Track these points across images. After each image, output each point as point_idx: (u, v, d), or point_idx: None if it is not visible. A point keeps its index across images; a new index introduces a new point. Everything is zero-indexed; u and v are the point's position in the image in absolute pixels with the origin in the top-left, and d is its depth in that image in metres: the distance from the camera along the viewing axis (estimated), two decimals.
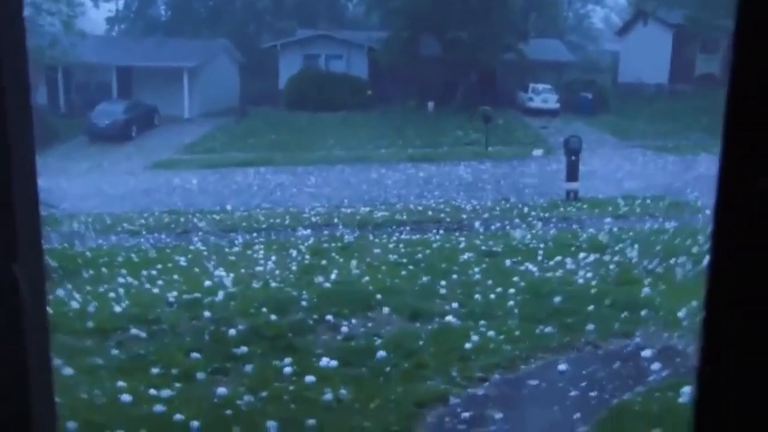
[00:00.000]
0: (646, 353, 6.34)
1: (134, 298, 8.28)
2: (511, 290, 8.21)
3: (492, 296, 8.06)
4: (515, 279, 8.72)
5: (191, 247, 11.50)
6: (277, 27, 41.46)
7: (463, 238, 11.58)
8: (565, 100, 32.58)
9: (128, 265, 10.09)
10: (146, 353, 6.40)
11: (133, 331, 6.98)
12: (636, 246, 10.34)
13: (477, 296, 8.07)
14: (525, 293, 8.11)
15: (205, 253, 10.97)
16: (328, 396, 5.46)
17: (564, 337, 6.78)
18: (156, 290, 8.63)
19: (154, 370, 5.98)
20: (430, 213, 14.38)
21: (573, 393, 5.63)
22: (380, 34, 34.29)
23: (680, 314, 7.22)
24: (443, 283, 8.63)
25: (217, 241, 12.00)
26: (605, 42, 51.69)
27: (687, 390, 5.31)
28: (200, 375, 5.93)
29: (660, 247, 10.30)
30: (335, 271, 9.36)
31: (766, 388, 0.94)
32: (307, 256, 10.50)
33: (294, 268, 9.83)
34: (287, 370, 6.00)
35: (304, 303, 7.85)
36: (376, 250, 10.79)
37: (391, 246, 11.12)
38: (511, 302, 7.81)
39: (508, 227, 12.67)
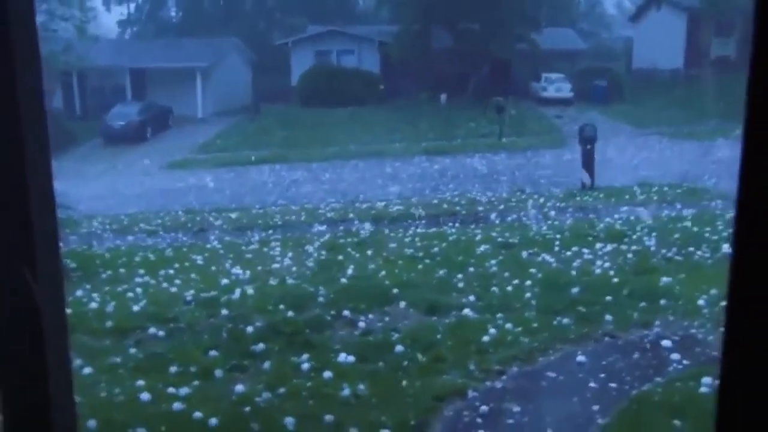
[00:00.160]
0: (666, 343, 6.28)
1: (152, 297, 8.34)
2: (528, 282, 8.17)
3: (509, 288, 8.03)
4: (532, 270, 8.67)
5: (208, 246, 11.55)
6: (287, 24, 41.51)
7: (479, 231, 11.53)
8: (579, 89, 32.31)
9: (146, 264, 10.16)
10: (164, 352, 6.45)
11: (152, 330, 7.03)
12: (654, 234, 10.25)
13: (494, 289, 8.03)
14: (542, 285, 8.07)
15: (222, 251, 11.01)
16: (346, 391, 5.47)
17: (582, 328, 6.73)
18: (173, 289, 8.68)
19: (173, 369, 6.02)
20: (445, 206, 14.33)
21: (592, 384, 5.59)
22: (391, 28, 34.20)
23: (700, 303, 7.15)
24: (460, 276, 8.60)
25: (234, 239, 12.04)
26: (618, 28, 51.19)
27: (708, 380, 5.26)
28: (218, 373, 5.96)
29: (678, 235, 10.20)
30: (351, 267, 9.36)
31: None
32: (323, 252, 10.51)
33: (310, 264, 9.84)
34: (305, 366, 6.01)
35: (321, 299, 7.86)
36: (392, 245, 10.78)
37: (407, 240, 11.10)
38: (529, 294, 7.77)
39: (523, 217, 12.61)
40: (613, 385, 5.57)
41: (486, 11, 31.59)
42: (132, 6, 45.15)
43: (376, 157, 22.63)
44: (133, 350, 6.54)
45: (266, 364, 6.11)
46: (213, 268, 9.82)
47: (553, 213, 12.94)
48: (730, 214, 11.75)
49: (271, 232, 12.62)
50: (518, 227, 11.77)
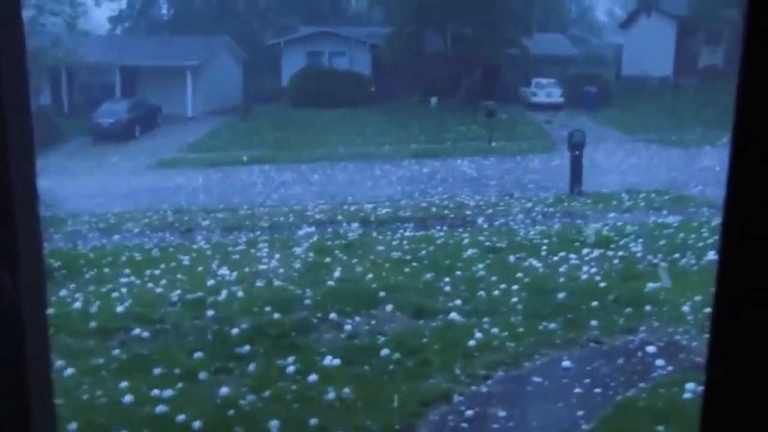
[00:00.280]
0: (651, 349, 6.31)
1: (137, 297, 8.28)
2: (515, 286, 8.18)
3: (496, 293, 8.03)
4: (519, 275, 8.68)
5: (195, 246, 11.50)
6: (280, 24, 41.44)
7: (467, 234, 11.54)
8: (569, 94, 32.44)
9: (131, 264, 10.09)
10: (149, 353, 6.40)
11: (136, 331, 6.98)
12: (640, 240, 10.29)
13: (481, 293, 8.04)
14: (529, 289, 8.08)
15: (209, 251, 10.96)
16: (331, 395, 5.45)
17: (568, 333, 6.75)
18: (159, 290, 8.63)
19: (157, 370, 5.98)
20: (433, 209, 14.34)
21: (577, 390, 5.60)
22: (383, 30, 34.21)
23: (685, 309, 7.18)
24: (447, 279, 8.60)
25: (221, 240, 11.99)
26: (609, 35, 51.45)
27: (692, 386, 5.28)
28: (203, 375, 5.92)
29: (664, 241, 10.25)
30: (339, 269, 9.34)
31: None
32: (311, 254, 10.48)
33: (298, 266, 9.81)
34: (290, 369, 5.98)
35: (307, 301, 7.84)
36: (380, 248, 10.77)
37: (394, 243, 11.09)
38: (515, 298, 7.78)
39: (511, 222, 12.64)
40: (598, 390, 5.59)
41: (478, 15, 31.68)
42: (123, 2, 44.90)
43: (366, 160, 22.62)
44: (116, 351, 6.48)
45: (251, 367, 6.08)
46: (200, 268, 9.77)
47: (540, 218, 12.97)
48: (716, 222, 11.86)
49: (258, 233, 12.57)
50: (506, 231, 11.79)
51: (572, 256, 9.58)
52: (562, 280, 8.52)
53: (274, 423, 4.97)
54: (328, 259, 10.01)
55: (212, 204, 16.26)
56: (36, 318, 1.64)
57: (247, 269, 9.61)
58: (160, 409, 5.22)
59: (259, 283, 8.87)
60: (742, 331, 0.95)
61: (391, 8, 35.77)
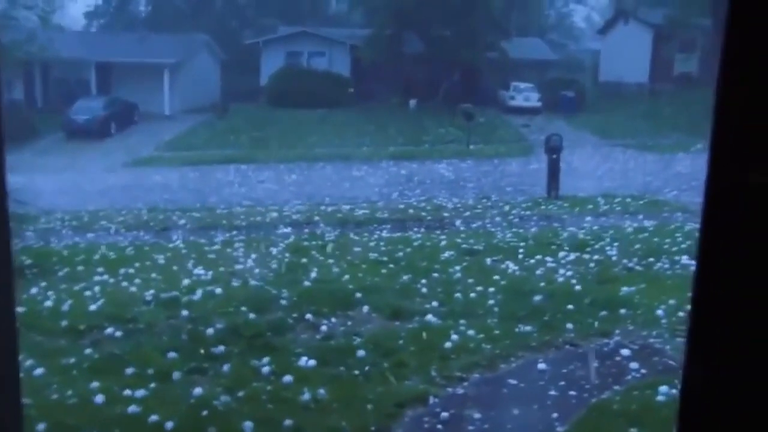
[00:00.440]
0: (625, 352, 6.36)
1: (110, 296, 8.16)
2: (492, 289, 8.20)
3: (472, 295, 8.05)
4: (496, 277, 8.71)
5: (170, 245, 11.37)
6: (259, 24, 41.23)
7: (444, 237, 11.56)
8: (547, 99, 32.70)
9: (105, 263, 9.95)
10: (121, 353, 6.31)
11: (109, 330, 6.88)
12: (616, 244, 10.39)
13: (457, 295, 8.05)
14: (505, 292, 8.11)
15: (185, 251, 10.85)
16: (306, 396, 5.41)
17: (544, 336, 6.78)
18: (133, 289, 8.51)
19: (129, 370, 5.89)
20: (411, 211, 14.35)
21: (552, 392, 5.63)
22: (363, 32, 34.21)
23: (659, 313, 7.26)
24: (424, 281, 8.60)
25: (197, 239, 11.88)
26: (587, 41, 51.98)
27: (665, 389, 5.33)
28: (176, 375, 5.85)
29: (639, 245, 10.36)
30: (315, 270, 9.30)
31: (753, 387, 0.92)
32: (287, 254, 10.42)
33: (274, 266, 9.75)
34: (265, 369, 5.94)
35: (283, 302, 7.79)
36: (357, 249, 10.74)
37: (371, 244, 11.07)
38: (492, 301, 7.80)
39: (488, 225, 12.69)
40: (572, 393, 5.62)
41: (457, 18, 31.80)
42: None
43: (344, 161, 22.58)
44: (88, 351, 6.38)
45: (226, 367, 6.01)
46: (175, 267, 9.66)
47: (517, 221, 13.04)
48: (690, 227, 11.98)
49: (235, 232, 12.48)
50: (483, 234, 11.83)
51: (548, 259, 9.64)
52: (538, 283, 8.56)
53: (248, 424, 4.92)
54: (304, 260, 9.96)
55: (188, 203, 16.12)
56: (3, 316, 1.60)
57: (222, 269, 9.53)
58: (132, 409, 5.15)
59: (235, 283, 8.79)
60: (718, 334, 0.95)
61: (371, 10, 35.77)
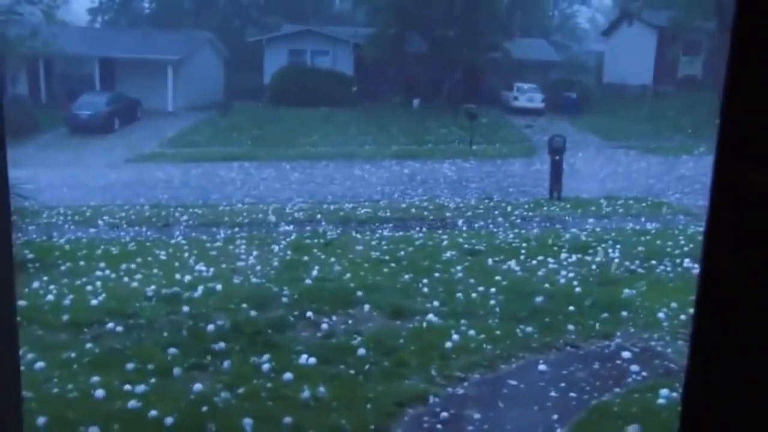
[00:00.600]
0: (626, 354, 6.35)
1: (112, 291, 8.16)
2: (493, 289, 8.19)
3: (474, 295, 8.04)
4: (497, 278, 8.70)
5: (172, 241, 11.38)
6: (262, 22, 41.24)
7: (446, 236, 11.55)
8: (550, 100, 32.69)
9: (107, 258, 9.96)
10: (122, 348, 6.31)
11: (110, 325, 6.88)
12: (618, 246, 10.37)
13: (459, 295, 8.04)
14: (507, 292, 8.10)
15: (186, 247, 10.85)
16: (306, 394, 5.40)
17: (545, 337, 6.77)
18: (134, 284, 8.52)
19: (130, 365, 5.89)
20: (413, 210, 14.34)
21: (552, 393, 5.62)
22: (367, 31, 34.20)
23: (660, 315, 7.25)
24: (425, 281, 8.59)
25: (199, 236, 11.89)
26: (590, 42, 51.97)
27: (665, 392, 5.32)
28: (177, 371, 5.84)
29: (642, 248, 10.34)
30: (317, 268, 9.29)
31: (756, 389, 0.92)
32: (289, 252, 10.42)
33: (275, 263, 9.74)
34: (266, 366, 5.93)
35: (284, 299, 7.78)
36: (359, 247, 10.74)
37: (373, 243, 11.06)
38: (493, 301, 7.79)
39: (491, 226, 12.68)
40: (573, 394, 5.61)
41: (461, 18, 31.79)
42: None
43: (346, 159, 22.58)
44: (89, 345, 6.38)
45: (226, 364, 6.01)
46: (176, 264, 9.67)
47: (520, 221, 13.03)
48: (692, 230, 11.96)
49: (237, 229, 12.49)
50: (485, 234, 11.82)
51: (550, 260, 9.63)
52: (540, 284, 8.55)
53: (247, 421, 4.92)
54: (306, 258, 9.96)
55: (191, 199, 16.13)
56: (3, 310, 1.59)
57: (224, 266, 9.54)
58: (132, 404, 5.14)
59: (236, 280, 8.79)
60: (722, 334, 0.94)
61: (374, 9, 35.75)
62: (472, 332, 6.78)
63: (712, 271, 0.94)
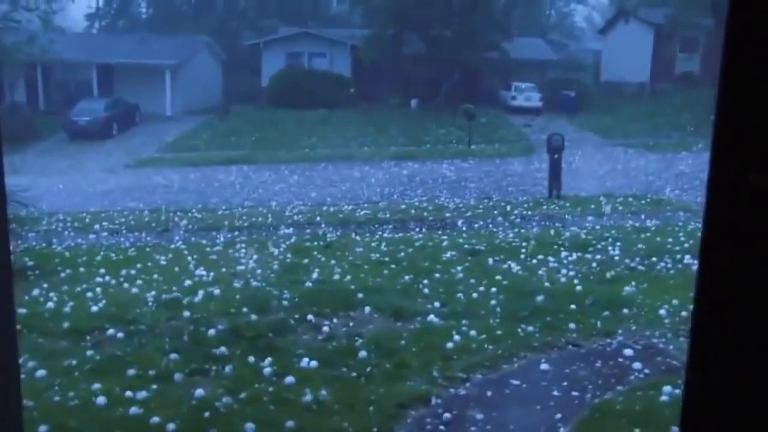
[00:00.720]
0: (628, 352, 6.34)
1: (112, 297, 8.16)
2: (494, 289, 8.18)
3: (474, 295, 8.03)
4: (498, 278, 8.69)
5: (172, 246, 11.37)
6: (259, 24, 41.23)
7: (445, 237, 11.54)
8: (548, 99, 32.69)
9: (107, 264, 9.95)
10: (123, 354, 6.30)
11: (110, 331, 6.87)
12: (618, 244, 10.37)
13: (459, 295, 8.03)
14: (507, 292, 8.09)
15: (186, 252, 10.84)
16: (308, 397, 5.39)
17: (546, 336, 6.76)
18: (135, 290, 8.51)
19: (131, 372, 5.88)
20: (413, 211, 14.34)
21: (555, 392, 5.61)
22: (364, 32, 34.21)
23: (661, 312, 7.24)
24: (425, 281, 8.59)
25: (198, 240, 11.88)
26: (587, 41, 52.00)
27: (668, 389, 5.31)
28: (178, 376, 5.83)
29: (642, 245, 10.34)
30: (317, 270, 9.29)
31: (755, 386, 0.91)
32: (289, 255, 10.41)
33: (275, 267, 9.74)
34: (267, 370, 5.92)
35: (285, 302, 7.78)
36: (359, 249, 10.73)
37: (373, 245, 11.06)
38: (494, 301, 7.78)
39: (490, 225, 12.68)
40: (575, 393, 5.60)
41: (458, 18, 31.80)
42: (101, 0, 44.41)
43: (345, 161, 22.59)
44: (90, 352, 6.37)
45: (228, 368, 6.00)
46: (176, 268, 9.66)
47: (519, 221, 13.02)
48: (692, 226, 11.95)
49: (237, 233, 12.48)
50: (485, 234, 11.82)
51: (551, 259, 9.62)
52: (540, 283, 8.54)
53: (249, 425, 4.91)
54: (306, 260, 9.95)
55: (190, 204, 16.13)
56: (2, 318, 1.58)
57: (224, 270, 9.52)
58: (134, 410, 5.13)
59: (237, 284, 8.78)
60: (721, 331, 0.94)
61: (371, 10, 35.77)
62: (473, 332, 6.77)
63: (709, 271, 0.93)
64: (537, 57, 37.24)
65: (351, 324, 7.21)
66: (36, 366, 5.82)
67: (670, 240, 10.55)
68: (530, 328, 6.90)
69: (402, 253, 10.23)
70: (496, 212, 13.89)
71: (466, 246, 10.61)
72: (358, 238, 11.72)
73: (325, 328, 7.02)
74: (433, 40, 31.85)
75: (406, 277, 8.83)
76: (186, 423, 4.98)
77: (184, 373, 5.89)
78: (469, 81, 33.28)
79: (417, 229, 12.45)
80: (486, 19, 33.22)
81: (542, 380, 5.86)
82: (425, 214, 14.00)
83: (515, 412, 5.38)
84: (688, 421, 1.00)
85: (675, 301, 7.44)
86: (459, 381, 5.84)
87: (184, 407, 5.25)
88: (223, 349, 6.38)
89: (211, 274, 9.24)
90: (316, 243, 11.23)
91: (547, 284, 8.44)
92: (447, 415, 5.25)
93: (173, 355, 6.21)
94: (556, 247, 10.33)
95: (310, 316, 7.28)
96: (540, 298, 7.74)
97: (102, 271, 9.45)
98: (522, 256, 9.81)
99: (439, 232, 12.11)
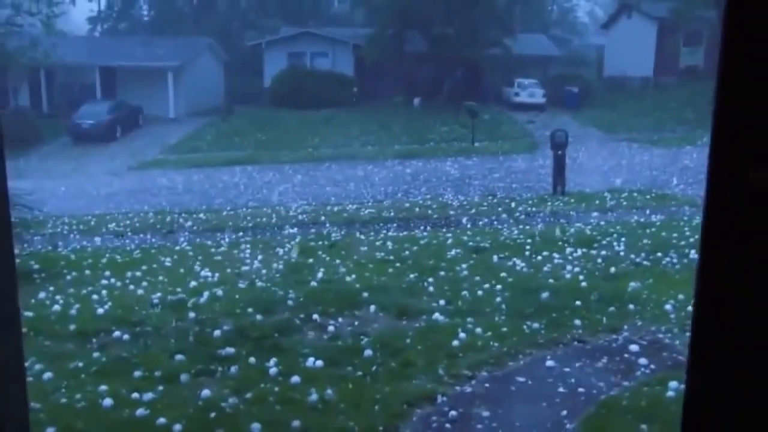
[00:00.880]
0: (634, 348, 6.33)
1: (118, 299, 8.17)
2: (499, 286, 8.17)
3: (479, 292, 8.02)
4: (503, 275, 8.68)
5: (177, 248, 11.39)
6: (261, 25, 41.26)
7: (450, 234, 11.53)
8: (551, 95, 32.63)
9: (112, 266, 9.97)
10: (129, 356, 6.31)
11: (116, 333, 6.88)
12: (623, 240, 10.34)
13: (464, 293, 8.02)
14: (512, 289, 8.08)
15: (191, 253, 10.86)
16: (314, 397, 5.40)
17: (552, 332, 6.75)
18: (140, 291, 8.53)
19: (137, 373, 5.89)
20: (417, 209, 14.33)
21: (561, 389, 5.60)
22: (365, 31, 34.20)
23: (667, 308, 7.22)
24: (430, 280, 8.58)
25: (203, 241, 11.90)
26: (590, 36, 51.86)
27: (674, 384, 5.30)
28: (184, 377, 5.84)
29: (647, 240, 10.31)
30: (322, 270, 9.29)
31: (756, 383, 0.91)
32: (294, 255, 10.42)
33: (280, 267, 9.74)
34: (273, 370, 5.93)
35: (290, 302, 7.78)
36: (363, 248, 10.73)
37: (378, 243, 11.06)
38: (499, 298, 7.77)
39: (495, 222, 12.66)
40: (581, 389, 5.59)
41: (460, 16, 31.74)
42: (103, 2, 44.51)
43: (349, 160, 22.59)
44: (96, 354, 6.38)
45: (233, 369, 6.01)
46: (181, 270, 9.68)
47: (524, 217, 13.01)
48: (697, 220, 11.93)
49: (241, 234, 12.50)
50: (489, 231, 11.80)
51: (556, 255, 9.61)
52: (545, 279, 8.53)
53: (256, 425, 4.91)
54: (311, 260, 9.96)
55: (194, 205, 16.16)
56: (7, 321, 1.59)
57: (229, 270, 9.54)
58: (140, 412, 5.14)
59: (242, 284, 8.79)
60: (720, 333, 0.94)
61: (373, 9, 35.75)
62: (478, 330, 6.76)
63: (709, 267, 0.93)
64: (539, 53, 37.17)
65: (356, 323, 7.21)
66: (43, 368, 5.84)
67: (675, 235, 10.52)
68: (536, 325, 6.89)
69: (407, 252, 10.23)
70: (500, 209, 13.87)
71: (470, 243, 10.60)
72: (362, 237, 11.72)
73: (331, 328, 7.02)
74: (435, 38, 31.81)
75: (411, 276, 8.82)
76: (192, 424, 4.99)
77: (190, 374, 5.90)
78: (471, 78, 33.24)
79: (421, 228, 12.45)
80: (488, 15, 33.16)
81: (548, 377, 5.86)
82: (429, 212, 13.99)
83: (521, 409, 5.38)
84: (689, 418, 1.00)
85: (681, 296, 7.43)
86: (465, 379, 5.84)
87: (190, 408, 5.26)
88: (228, 349, 6.38)
89: (216, 274, 9.26)
90: (320, 242, 11.23)
91: (552, 281, 8.43)
92: (453, 412, 5.24)
93: (179, 356, 6.23)
94: (560, 243, 10.31)
95: (315, 316, 7.29)
96: (545, 294, 7.73)
97: (107, 273, 9.47)
98: (527, 253, 9.80)
99: (444, 230, 12.10)
